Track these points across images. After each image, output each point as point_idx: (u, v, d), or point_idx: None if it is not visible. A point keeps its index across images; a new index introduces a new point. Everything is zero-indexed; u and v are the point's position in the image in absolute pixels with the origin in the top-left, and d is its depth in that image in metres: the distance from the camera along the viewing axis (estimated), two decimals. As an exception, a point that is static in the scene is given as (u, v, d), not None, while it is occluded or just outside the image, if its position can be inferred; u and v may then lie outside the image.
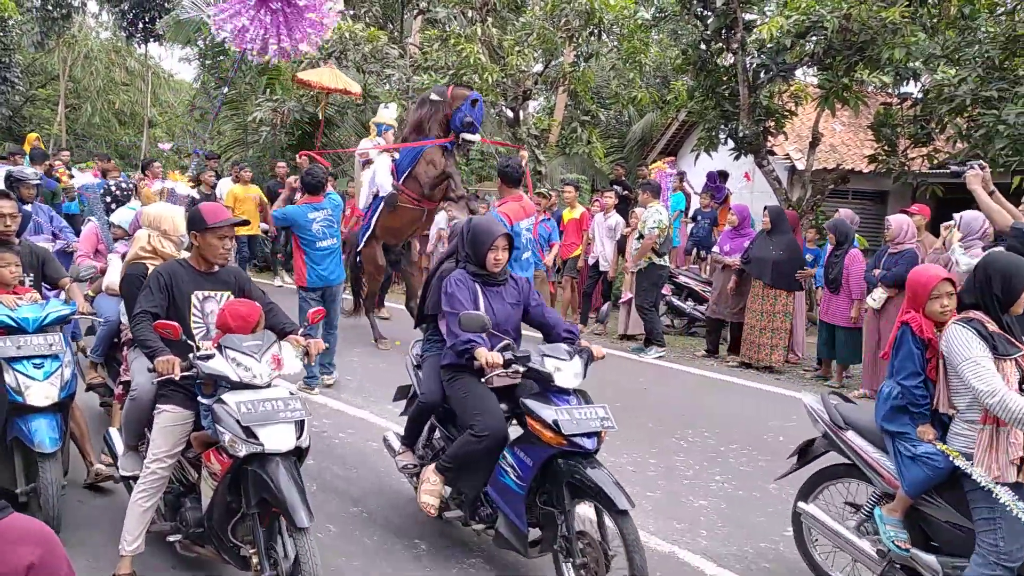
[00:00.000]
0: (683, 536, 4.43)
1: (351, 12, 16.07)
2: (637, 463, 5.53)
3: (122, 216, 5.97)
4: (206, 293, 3.75)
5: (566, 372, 3.69)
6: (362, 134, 19.36)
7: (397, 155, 8.49)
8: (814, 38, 9.46)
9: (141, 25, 24.10)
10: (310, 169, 6.95)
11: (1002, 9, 9.58)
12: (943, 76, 9.17)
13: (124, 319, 5.21)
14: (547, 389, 3.67)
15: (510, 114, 14.09)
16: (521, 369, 3.70)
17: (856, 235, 8.57)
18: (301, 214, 6.72)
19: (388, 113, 9.18)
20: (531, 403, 3.60)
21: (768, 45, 9.48)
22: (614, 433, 5.98)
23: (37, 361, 4.16)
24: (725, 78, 10.60)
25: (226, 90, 10.67)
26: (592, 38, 12.41)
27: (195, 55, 21.12)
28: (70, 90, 27.53)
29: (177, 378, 3.37)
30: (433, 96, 8.14)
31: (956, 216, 6.69)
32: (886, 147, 10.32)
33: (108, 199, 7.58)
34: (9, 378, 4.09)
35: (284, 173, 12.51)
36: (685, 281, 10.28)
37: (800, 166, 12.05)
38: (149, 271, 3.94)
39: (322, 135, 17.55)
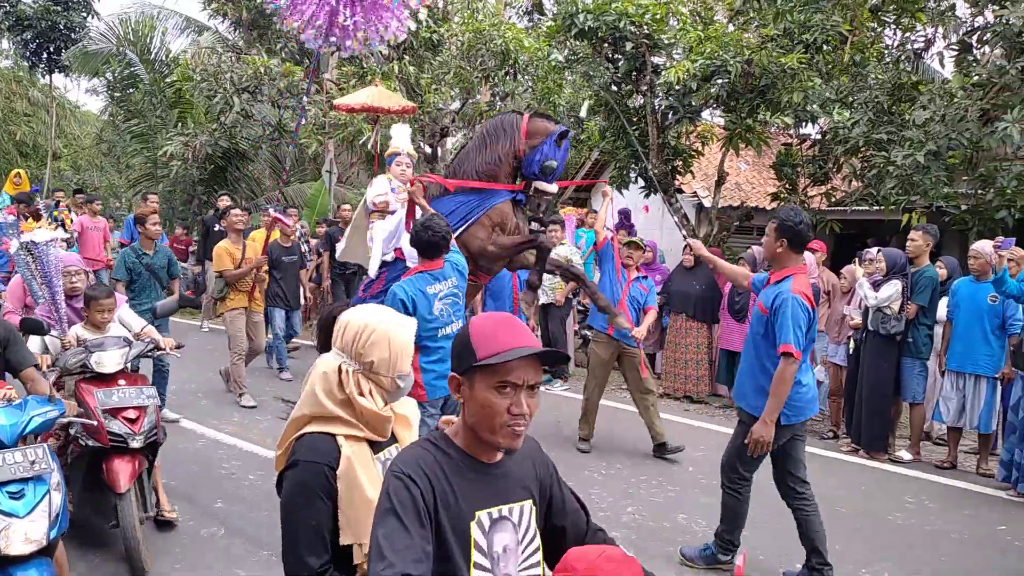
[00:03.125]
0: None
1: (266, 47, 15.96)
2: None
3: None
4: (496, 512, 1.86)
5: None
6: (278, 170, 19.25)
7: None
8: (719, 81, 9.88)
9: (45, 55, 23.34)
10: (428, 222, 4.72)
11: (889, 58, 10.23)
12: (838, 119, 9.69)
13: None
14: None
15: (428, 150, 14.18)
16: None
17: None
18: (418, 291, 4.56)
19: (401, 135, 6.29)
20: None
21: (676, 88, 9.84)
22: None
23: (15, 488, 3.07)
24: (635, 119, 10.94)
25: (306, 98, 8.70)
26: (508, 78, 12.63)
27: (103, 87, 20.56)
28: (-34, 120, 26.38)
29: None
30: (499, 129, 5.94)
31: (871, 251, 7.14)
32: (787, 185, 10.80)
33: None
34: None
35: (347, 217, 10.62)
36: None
37: (707, 203, 12.48)
38: (360, 468, 2.09)
39: (239, 170, 17.30)
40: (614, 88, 10.95)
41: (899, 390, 6.94)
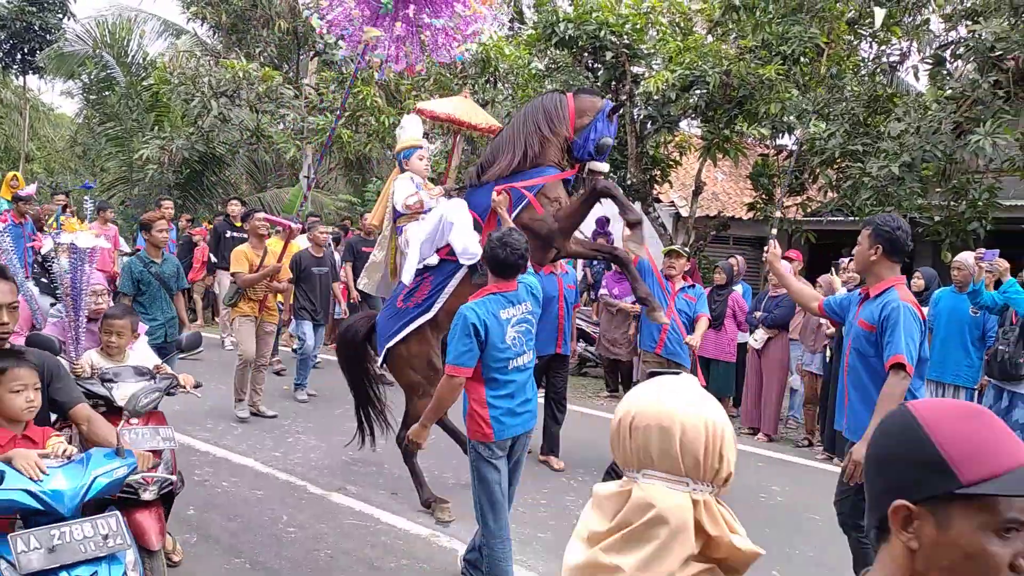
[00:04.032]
0: None
1: (245, 52, 15.89)
2: (528, 504, 5.55)
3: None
4: None
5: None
6: (255, 175, 19.12)
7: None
8: (697, 92, 9.96)
9: (19, 56, 23.04)
10: (506, 237, 3.94)
11: (865, 71, 10.37)
12: (815, 130, 9.80)
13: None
14: None
15: (406, 157, 14.16)
16: None
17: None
18: (490, 314, 3.89)
19: (413, 127, 5.74)
20: None
21: (655, 98, 9.91)
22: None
23: (85, 571, 2.54)
24: (615, 127, 10.98)
25: (336, 126, 7.57)
26: (488, 86, 12.66)
27: (78, 89, 20.35)
28: (-64, 121, 26.00)
29: None
30: (543, 110, 5.36)
31: (844, 260, 7.21)
32: (764, 196, 10.90)
33: (42, 259, 5.96)
34: None
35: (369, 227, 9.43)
36: (577, 323, 10.48)
37: (684, 213, 12.56)
38: None
39: (215, 175, 17.17)
40: (594, 97, 10.99)
41: (873, 398, 7.00)
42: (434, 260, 5.21)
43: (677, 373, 1.64)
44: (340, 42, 5.82)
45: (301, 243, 8.55)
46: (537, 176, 5.22)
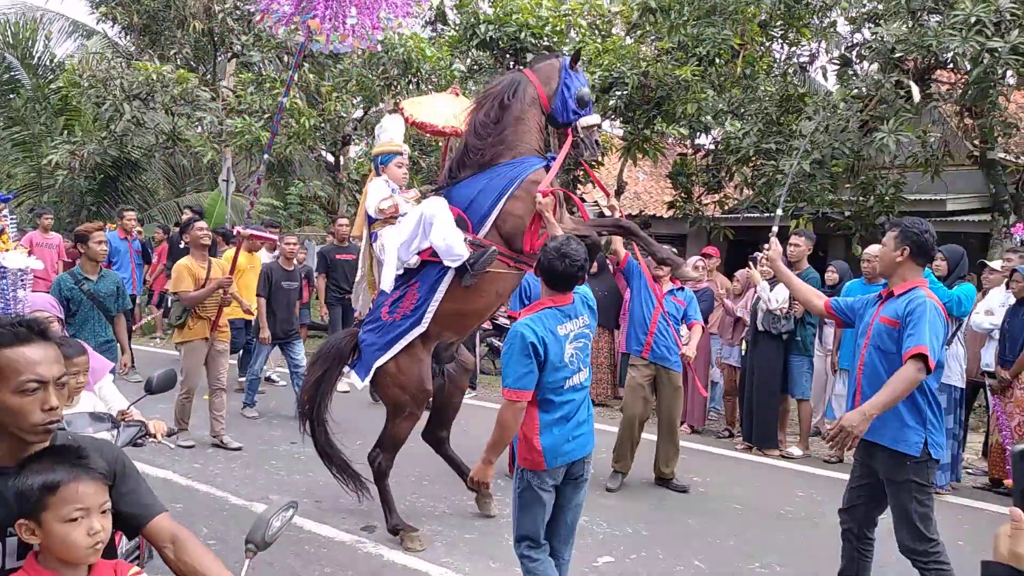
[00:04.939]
0: (499, 574, 4.49)
1: (158, 53, 15.47)
2: (454, 505, 5.56)
3: None
4: None
5: None
6: (173, 179, 18.61)
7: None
8: (617, 93, 10.12)
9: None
10: (565, 248, 3.53)
11: (777, 71, 10.70)
12: (730, 129, 10.07)
13: None
14: None
15: (330, 159, 14.01)
16: None
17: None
18: (548, 331, 3.48)
19: (395, 129, 5.33)
20: None
21: (575, 98, 10.01)
22: (430, 475, 6.01)
23: None
24: (537, 128, 11.07)
25: (285, 100, 6.80)
26: (410, 87, 12.60)
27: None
28: None
29: None
30: (510, 94, 4.92)
31: (759, 255, 7.39)
32: (683, 194, 11.13)
33: None
34: None
35: (343, 233, 9.47)
36: (504, 323, 10.52)
37: (607, 212, 12.75)
38: None
39: (131, 180, 16.63)
40: (516, 98, 11.05)
41: (787, 387, 7.23)
42: (414, 262, 4.82)
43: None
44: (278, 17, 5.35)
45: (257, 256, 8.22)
46: (528, 171, 4.84)
